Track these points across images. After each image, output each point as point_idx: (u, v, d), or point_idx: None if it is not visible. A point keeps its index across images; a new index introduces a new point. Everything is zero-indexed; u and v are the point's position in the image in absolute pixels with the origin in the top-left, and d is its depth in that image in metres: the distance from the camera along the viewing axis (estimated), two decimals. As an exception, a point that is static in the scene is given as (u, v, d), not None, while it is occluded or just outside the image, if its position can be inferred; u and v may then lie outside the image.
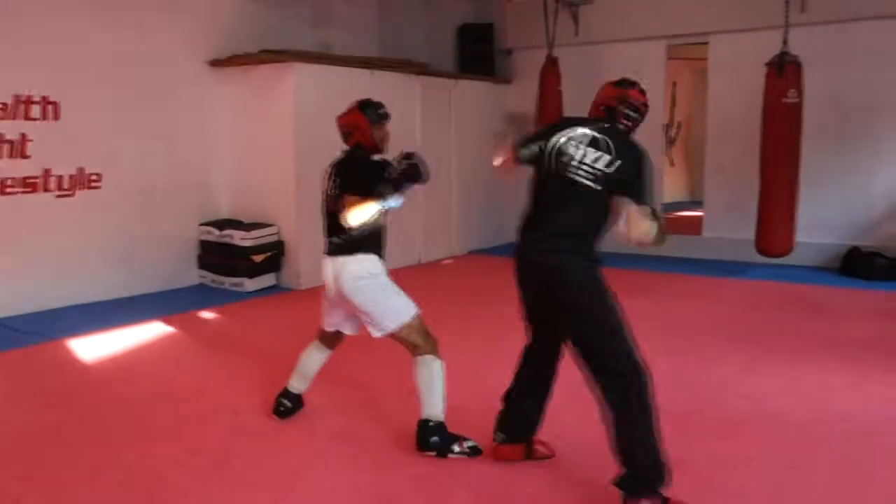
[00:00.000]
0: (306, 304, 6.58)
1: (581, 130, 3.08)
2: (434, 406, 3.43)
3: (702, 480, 3.18)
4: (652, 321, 5.53)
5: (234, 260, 7.13)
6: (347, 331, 3.74)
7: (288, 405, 3.90)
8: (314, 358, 3.87)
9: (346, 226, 3.37)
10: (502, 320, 5.61)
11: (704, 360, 4.89)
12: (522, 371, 3.35)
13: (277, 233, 7.29)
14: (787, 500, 3.07)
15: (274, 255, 7.26)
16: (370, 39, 8.64)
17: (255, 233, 7.13)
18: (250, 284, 7.13)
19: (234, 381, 4.56)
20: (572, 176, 3.00)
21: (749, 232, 7.43)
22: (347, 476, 3.31)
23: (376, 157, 3.59)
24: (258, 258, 7.14)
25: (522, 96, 9.45)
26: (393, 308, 3.48)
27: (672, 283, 7.43)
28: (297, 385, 3.91)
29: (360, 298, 3.46)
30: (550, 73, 8.63)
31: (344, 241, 3.49)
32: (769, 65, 7.15)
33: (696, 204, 12.31)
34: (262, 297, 6.96)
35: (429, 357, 3.45)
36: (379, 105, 3.71)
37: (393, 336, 3.48)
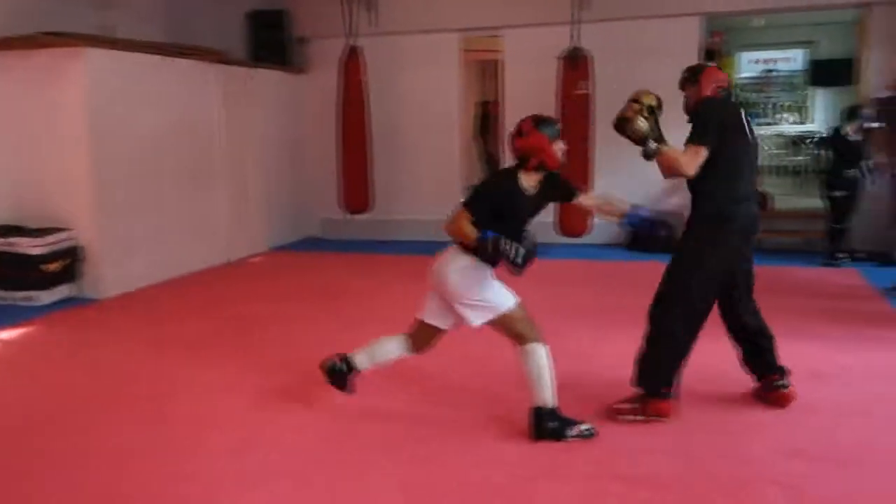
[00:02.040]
0: (112, 318, 6.09)
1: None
2: (544, 393, 3.49)
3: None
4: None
5: (23, 271, 6.33)
6: (444, 324, 3.65)
7: (343, 370, 3.79)
8: (391, 346, 3.78)
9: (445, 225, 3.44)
10: (356, 316, 5.72)
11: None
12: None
13: (73, 237, 6.58)
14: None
15: (70, 263, 6.55)
16: (156, 24, 8.01)
17: (46, 239, 6.38)
18: (45, 297, 6.38)
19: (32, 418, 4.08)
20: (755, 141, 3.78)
21: (548, 216, 7.92)
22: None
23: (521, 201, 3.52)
24: (52, 267, 6.41)
25: (321, 87, 9.32)
26: (494, 296, 3.49)
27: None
28: (360, 361, 3.80)
29: (458, 288, 3.46)
30: (353, 63, 8.55)
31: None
32: (561, 58, 7.67)
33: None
34: (61, 311, 6.26)
35: (535, 345, 3.48)
36: (552, 119, 3.60)
37: (494, 325, 3.50)
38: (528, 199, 3.51)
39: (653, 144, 3.70)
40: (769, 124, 11.72)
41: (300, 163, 9.70)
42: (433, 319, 3.67)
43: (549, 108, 7.62)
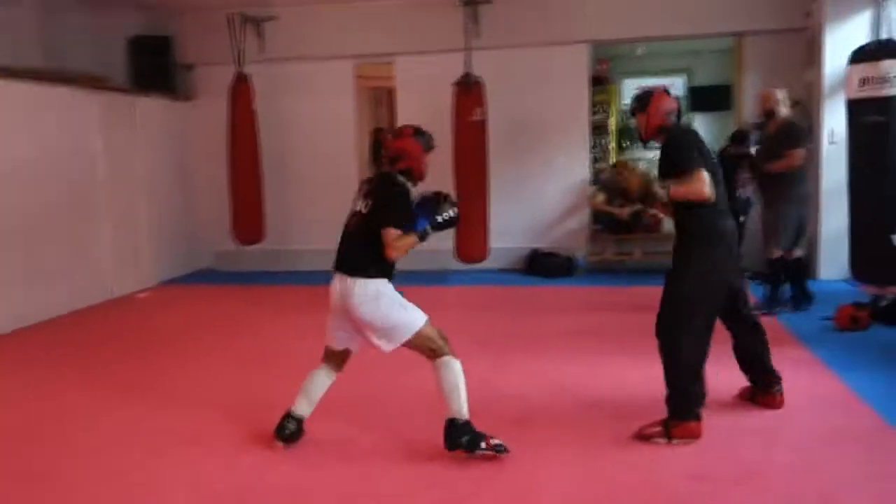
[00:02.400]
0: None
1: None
2: (459, 405, 3.54)
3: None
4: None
5: None
6: (355, 347, 3.75)
7: (292, 428, 3.77)
8: (321, 382, 3.80)
9: (389, 256, 3.48)
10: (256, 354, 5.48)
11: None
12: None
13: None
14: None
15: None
16: (33, 49, 7.54)
17: None
18: None
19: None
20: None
21: (445, 243, 7.91)
22: None
23: (412, 189, 3.66)
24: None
25: (208, 114, 9.02)
26: (404, 320, 3.54)
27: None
28: (301, 408, 3.79)
29: (370, 316, 3.52)
30: (242, 90, 8.31)
31: (354, 260, 3.57)
32: (456, 84, 7.71)
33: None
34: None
35: (448, 358, 3.55)
36: (430, 134, 3.74)
37: (407, 345, 3.55)
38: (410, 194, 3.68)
39: (660, 192, 3.88)
40: (657, 148, 12.11)
41: (190, 193, 9.34)
42: (342, 345, 3.74)
43: (444, 134, 7.64)
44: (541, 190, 8.76)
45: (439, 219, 3.58)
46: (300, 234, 9.28)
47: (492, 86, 7.79)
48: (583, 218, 8.76)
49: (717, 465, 3.50)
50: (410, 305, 3.58)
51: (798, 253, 6.46)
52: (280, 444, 3.77)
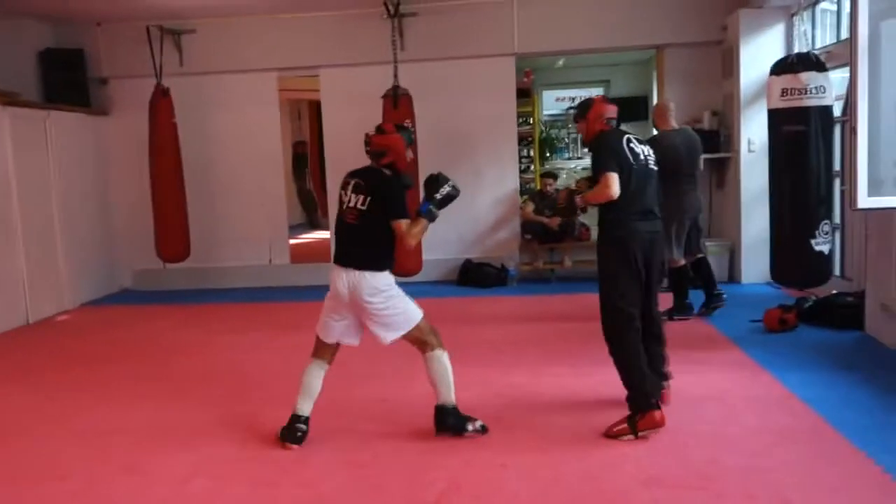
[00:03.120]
0: None
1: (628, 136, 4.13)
2: (448, 393, 3.91)
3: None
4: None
5: None
6: (349, 341, 3.93)
7: (305, 429, 3.93)
8: (317, 375, 3.96)
9: (408, 246, 3.80)
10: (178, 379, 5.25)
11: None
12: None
13: None
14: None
15: None
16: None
17: None
18: None
19: None
20: (652, 166, 4.13)
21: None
22: None
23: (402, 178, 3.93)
24: None
25: (126, 129, 8.75)
26: (406, 313, 3.82)
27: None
28: (306, 407, 3.94)
29: (380, 308, 3.75)
30: (162, 104, 8.03)
31: (362, 254, 3.76)
32: (385, 97, 7.65)
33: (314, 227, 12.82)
34: None
35: (439, 351, 3.89)
36: (410, 129, 4.13)
37: (406, 336, 3.84)
38: None
39: (577, 200, 4.35)
40: (578, 158, 12.37)
41: (108, 210, 8.98)
42: (336, 337, 3.91)
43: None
44: (472, 200, 8.77)
45: (438, 196, 3.79)
46: (226, 250, 9.05)
47: (419, 98, 7.78)
48: (514, 228, 8.83)
49: (670, 469, 3.55)
50: (409, 299, 3.87)
51: (699, 255, 6.64)
52: (293, 446, 3.90)
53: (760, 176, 7.72)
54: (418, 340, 3.87)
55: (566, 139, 13.11)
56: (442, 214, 7.66)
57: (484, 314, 7.21)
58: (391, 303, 3.77)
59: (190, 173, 8.33)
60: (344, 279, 3.75)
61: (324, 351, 3.96)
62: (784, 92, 5.06)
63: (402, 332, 3.82)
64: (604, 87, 13.13)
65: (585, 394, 4.61)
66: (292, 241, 9.45)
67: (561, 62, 11.98)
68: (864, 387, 4.59)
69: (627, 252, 3.99)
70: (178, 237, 8.20)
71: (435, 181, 3.84)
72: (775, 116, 5.19)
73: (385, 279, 3.79)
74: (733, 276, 8.09)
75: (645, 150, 4.14)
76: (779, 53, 7.57)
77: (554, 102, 12.96)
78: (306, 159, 13.11)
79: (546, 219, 8.52)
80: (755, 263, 7.79)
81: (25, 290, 7.39)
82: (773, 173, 5.35)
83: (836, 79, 5.71)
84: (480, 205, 8.80)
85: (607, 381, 4.32)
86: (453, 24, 8.49)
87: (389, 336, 3.81)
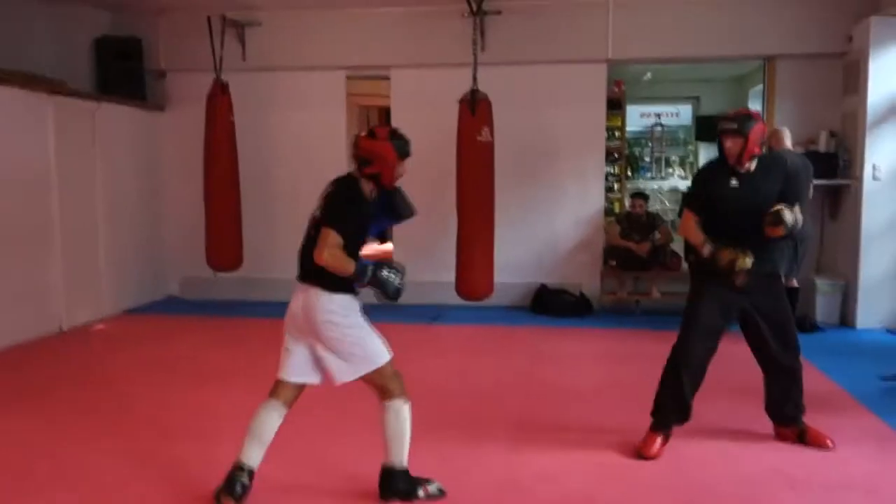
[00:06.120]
0: None
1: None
2: (401, 452, 3.31)
3: None
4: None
5: None
6: (308, 378, 3.29)
7: (246, 482, 3.22)
8: (272, 421, 3.27)
9: (317, 258, 3.09)
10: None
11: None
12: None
13: None
14: None
15: None
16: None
17: None
18: None
19: None
20: None
21: (445, 275, 7.09)
22: None
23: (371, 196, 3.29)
24: None
25: (182, 126, 8.21)
26: (370, 350, 3.23)
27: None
28: (255, 457, 3.26)
29: (334, 336, 3.18)
30: (220, 100, 7.43)
31: (315, 269, 3.14)
32: (462, 101, 6.89)
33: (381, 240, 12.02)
34: None
35: (399, 402, 3.28)
36: (407, 138, 3.32)
37: (364, 378, 3.24)
38: (370, 206, 3.27)
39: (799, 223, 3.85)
40: (662, 179, 11.45)
41: (158, 212, 8.42)
42: (298, 376, 3.29)
43: (447, 156, 6.85)
44: (551, 220, 7.96)
45: (384, 273, 3.18)
46: (281, 261, 8.35)
47: (499, 104, 6.99)
48: (596, 252, 7.95)
49: None
50: (376, 335, 3.28)
51: (794, 283, 6.45)
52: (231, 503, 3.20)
53: (886, 207, 6.83)
54: (377, 385, 3.27)
55: (648, 158, 12.20)
56: (517, 234, 7.06)
57: (561, 351, 6.33)
58: (349, 332, 3.19)
59: (247, 177, 7.72)
60: (299, 298, 3.24)
61: (282, 391, 3.31)
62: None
63: (360, 373, 3.21)
64: (692, 104, 12.21)
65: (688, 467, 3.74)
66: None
67: (649, 75, 11.07)
68: None
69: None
70: (230, 244, 7.58)
71: (389, 265, 3.22)
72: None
73: (343, 302, 3.19)
74: (845, 320, 7.10)
75: None
76: (915, 68, 6.65)
77: (638, 119, 12.00)
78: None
79: (633, 244, 7.64)
80: (874, 307, 6.90)
81: (62, 296, 6.80)
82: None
83: None
84: (560, 225, 7.96)
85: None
86: (541, 25, 7.69)
87: (344, 374, 3.21)
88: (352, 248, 3.15)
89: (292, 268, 8.80)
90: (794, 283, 6.40)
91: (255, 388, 4.89)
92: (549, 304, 7.62)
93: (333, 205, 3.22)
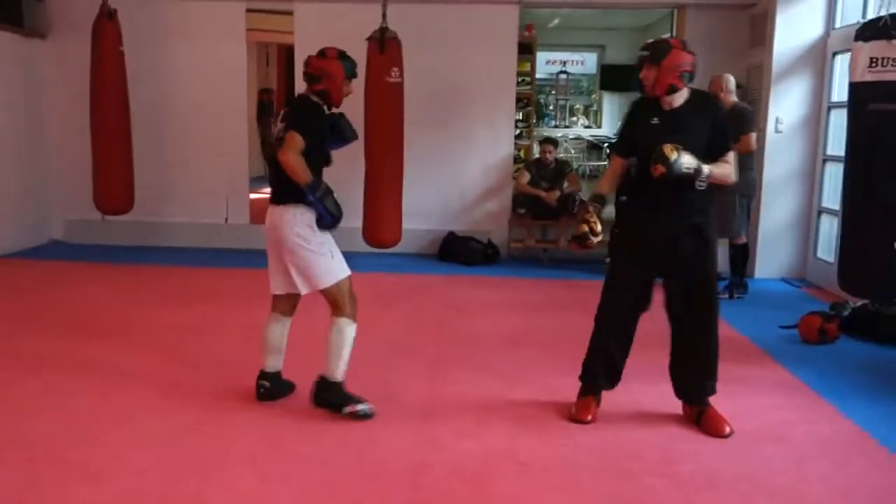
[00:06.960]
0: None
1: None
2: (336, 367, 3.56)
3: None
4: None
5: None
6: (294, 290, 3.58)
7: (267, 385, 3.74)
8: (275, 330, 3.72)
9: (281, 157, 3.37)
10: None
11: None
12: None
13: None
14: None
15: None
16: None
17: None
18: None
19: None
20: None
21: (353, 220, 6.85)
22: None
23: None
24: None
25: (65, 56, 7.59)
26: (328, 265, 3.50)
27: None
28: (270, 363, 3.75)
29: (297, 249, 3.46)
30: (107, 29, 6.83)
31: (281, 186, 3.46)
32: (370, 39, 6.58)
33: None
34: None
35: (345, 321, 3.55)
36: (354, 61, 3.67)
37: (323, 292, 3.52)
38: (327, 122, 3.55)
39: (705, 170, 3.36)
40: (566, 127, 11.47)
41: (39, 149, 7.78)
42: (282, 289, 3.62)
43: (354, 96, 6.52)
44: (460, 165, 7.81)
45: (334, 197, 3.47)
46: (175, 204, 7.94)
47: (409, 44, 6.71)
48: (505, 199, 7.87)
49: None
50: (338, 252, 3.56)
51: (743, 239, 6.26)
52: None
53: (786, 160, 6.99)
54: (333, 300, 3.55)
55: (552, 106, 12.19)
56: (424, 178, 6.94)
57: (472, 300, 6.25)
58: (310, 246, 3.46)
59: (138, 113, 7.19)
60: (270, 218, 3.56)
61: (276, 302, 3.72)
62: (874, 62, 4.15)
63: (322, 285, 3.50)
64: (598, 53, 12.24)
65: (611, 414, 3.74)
66: (253, 197, 8.31)
67: (556, 21, 10.97)
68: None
69: None
70: (120, 185, 7.07)
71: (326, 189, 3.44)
72: (861, 92, 4.26)
73: (305, 218, 3.45)
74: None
75: None
76: (819, 23, 6.80)
77: (544, 66, 11.93)
78: (272, 109, 11.94)
79: (542, 192, 7.60)
80: (771, 257, 7.13)
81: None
82: (852, 161, 4.45)
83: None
84: (469, 171, 7.84)
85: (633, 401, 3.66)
86: (454, -37, 7.42)
87: (305, 285, 3.52)
88: (312, 161, 3.39)
89: (187, 211, 8.34)
90: (743, 239, 6.21)
91: (152, 343, 4.68)
92: (458, 251, 7.52)
93: (297, 115, 3.50)
